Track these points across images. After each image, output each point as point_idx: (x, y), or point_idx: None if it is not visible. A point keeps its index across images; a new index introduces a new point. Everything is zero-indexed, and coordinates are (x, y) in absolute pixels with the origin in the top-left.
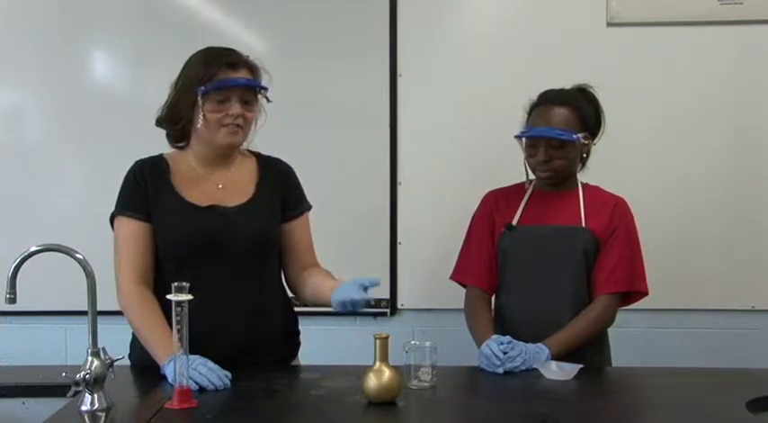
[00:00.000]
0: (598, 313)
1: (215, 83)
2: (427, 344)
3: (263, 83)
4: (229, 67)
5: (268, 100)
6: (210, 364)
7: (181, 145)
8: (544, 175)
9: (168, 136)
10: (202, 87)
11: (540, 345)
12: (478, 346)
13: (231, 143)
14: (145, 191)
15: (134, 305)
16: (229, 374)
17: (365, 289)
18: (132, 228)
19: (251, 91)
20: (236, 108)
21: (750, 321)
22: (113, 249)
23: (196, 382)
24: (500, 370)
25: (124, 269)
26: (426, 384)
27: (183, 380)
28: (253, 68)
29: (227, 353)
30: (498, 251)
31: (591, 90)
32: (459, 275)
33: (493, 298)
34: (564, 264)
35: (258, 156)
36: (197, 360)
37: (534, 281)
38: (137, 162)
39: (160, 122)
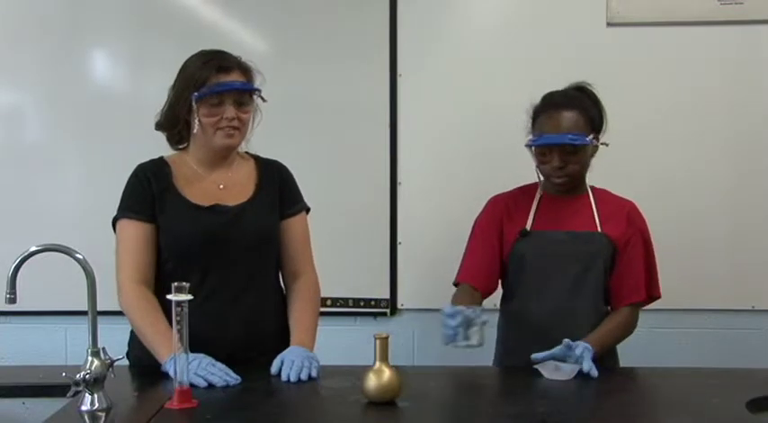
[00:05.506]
0: (626, 323)
1: (208, 88)
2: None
3: (258, 83)
4: (221, 71)
5: (263, 100)
6: (219, 364)
7: (181, 147)
8: (560, 181)
9: (169, 140)
10: (196, 93)
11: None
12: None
13: (228, 145)
14: (150, 193)
15: (135, 305)
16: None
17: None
18: (135, 230)
19: (245, 92)
20: (230, 111)
21: (750, 321)
22: (115, 251)
23: (206, 380)
24: (451, 332)
25: (125, 270)
26: (475, 344)
27: (182, 378)
28: (245, 70)
29: (228, 351)
30: (512, 257)
31: (590, 88)
32: (461, 279)
33: (499, 303)
34: (583, 269)
35: (256, 158)
36: (205, 359)
37: (552, 286)
38: (139, 166)
39: (159, 127)
